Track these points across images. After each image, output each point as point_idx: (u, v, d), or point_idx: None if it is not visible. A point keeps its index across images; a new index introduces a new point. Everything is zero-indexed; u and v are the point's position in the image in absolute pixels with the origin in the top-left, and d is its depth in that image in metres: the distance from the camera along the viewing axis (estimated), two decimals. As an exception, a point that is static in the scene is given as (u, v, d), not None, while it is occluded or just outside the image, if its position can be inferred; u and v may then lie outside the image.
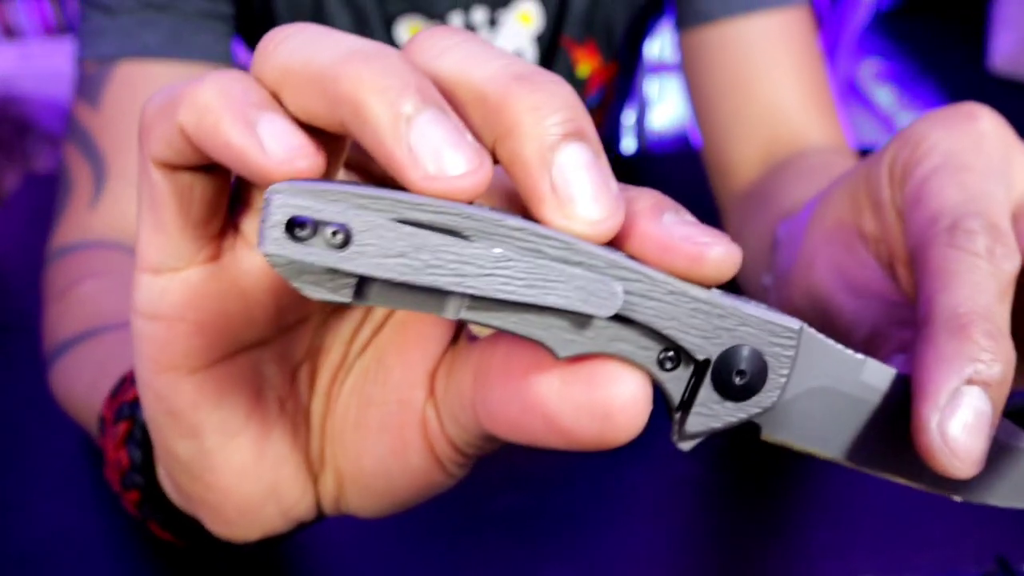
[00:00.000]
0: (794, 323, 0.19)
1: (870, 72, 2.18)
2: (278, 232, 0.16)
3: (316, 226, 0.16)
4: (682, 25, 0.61)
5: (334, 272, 0.16)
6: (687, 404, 0.19)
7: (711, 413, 0.19)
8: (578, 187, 0.17)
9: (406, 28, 0.63)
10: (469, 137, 0.17)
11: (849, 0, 1.78)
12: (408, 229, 0.16)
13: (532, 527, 0.42)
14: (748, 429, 0.20)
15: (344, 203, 0.16)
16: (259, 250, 0.16)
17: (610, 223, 0.17)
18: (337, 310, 0.24)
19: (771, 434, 0.21)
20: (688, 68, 0.62)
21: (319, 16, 0.62)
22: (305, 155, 0.17)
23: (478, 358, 0.21)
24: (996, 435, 0.22)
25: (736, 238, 0.56)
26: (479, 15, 0.64)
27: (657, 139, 1.85)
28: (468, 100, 0.18)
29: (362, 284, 0.17)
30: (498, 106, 0.18)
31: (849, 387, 0.21)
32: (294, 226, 0.16)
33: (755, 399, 0.19)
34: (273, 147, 0.17)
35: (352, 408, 0.24)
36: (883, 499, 0.44)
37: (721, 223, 0.60)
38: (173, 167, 0.19)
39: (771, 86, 0.56)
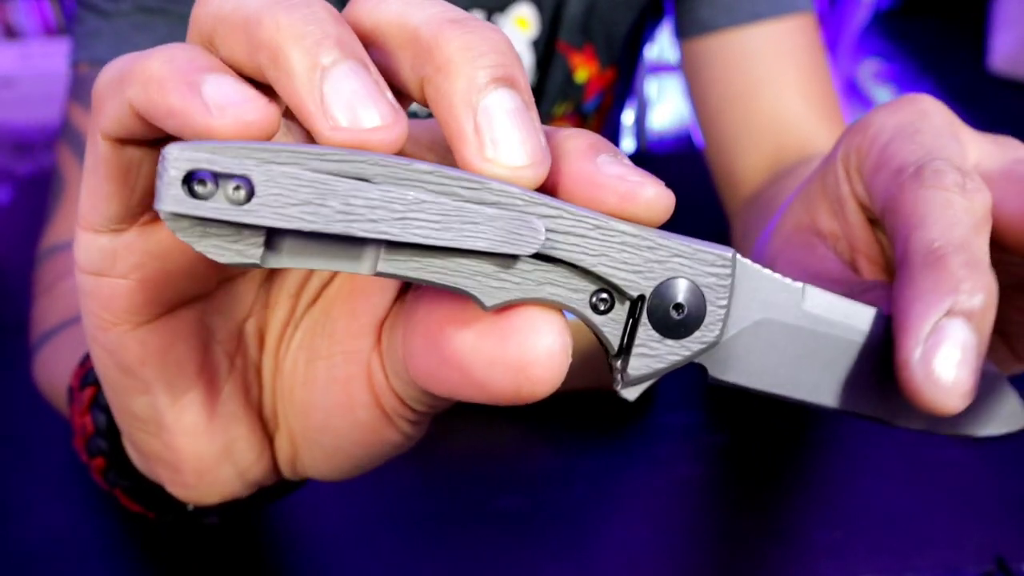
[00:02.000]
0: (726, 250, 0.18)
1: (870, 72, 2.18)
2: (175, 188, 0.15)
3: (217, 180, 0.15)
4: (684, 34, 0.61)
5: (239, 230, 0.16)
6: (627, 348, 0.19)
7: (653, 353, 0.19)
8: (502, 131, 0.17)
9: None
10: (389, 94, 0.17)
11: (849, 0, 1.78)
12: (312, 176, 0.15)
13: (532, 527, 0.42)
14: (695, 370, 0.20)
15: (244, 156, 0.15)
16: (157, 209, 0.15)
17: (533, 171, 0.17)
18: None
19: (719, 375, 0.20)
20: (691, 77, 0.61)
21: None
22: (254, 107, 0.17)
23: (408, 310, 0.21)
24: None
25: (742, 245, 0.56)
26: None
27: (657, 139, 1.85)
28: (402, 44, 0.18)
29: (271, 242, 0.16)
30: (429, 45, 0.18)
31: (793, 318, 0.20)
32: (192, 182, 0.15)
33: (697, 334, 0.19)
34: (217, 104, 0.17)
35: (300, 363, 0.24)
36: (883, 499, 0.44)
37: (728, 229, 0.60)
38: (122, 141, 0.19)
39: (776, 95, 0.56)
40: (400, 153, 0.17)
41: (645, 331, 0.18)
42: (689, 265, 0.18)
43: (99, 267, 0.21)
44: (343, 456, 0.24)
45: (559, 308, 0.18)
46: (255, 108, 0.17)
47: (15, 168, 1.66)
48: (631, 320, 0.18)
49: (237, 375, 0.24)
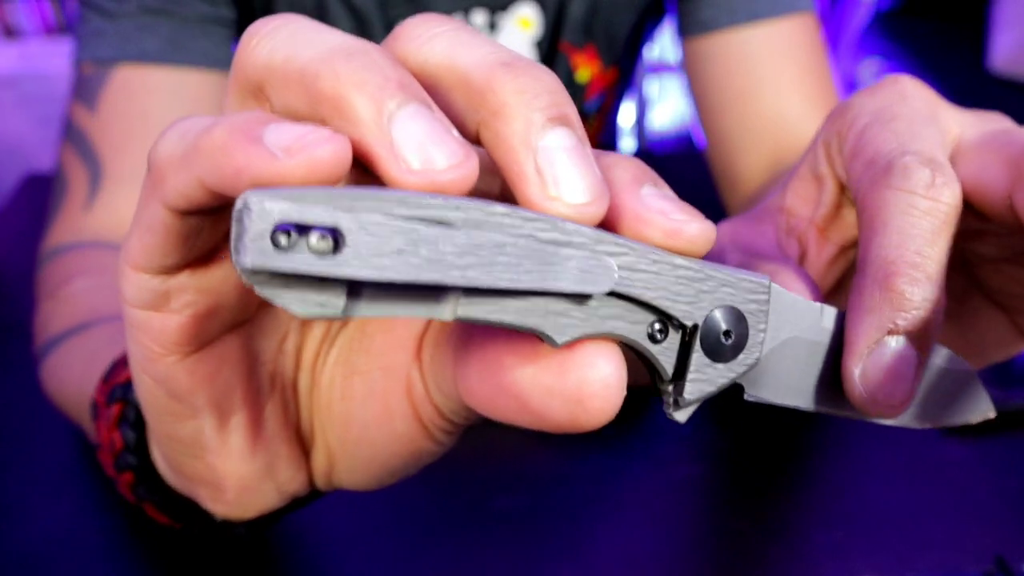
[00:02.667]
0: (763, 278, 0.20)
1: (870, 72, 2.18)
2: (262, 242, 0.14)
3: (299, 232, 0.14)
4: (685, 34, 0.61)
5: (322, 282, 0.15)
6: (680, 374, 0.20)
7: (705, 378, 0.20)
8: (563, 170, 0.17)
9: (407, 30, 0.63)
10: (455, 131, 0.17)
11: (849, 0, 1.78)
12: (400, 224, 0.15)
13: (532, 527, 0.42)
14: (733, 391, 0.21)
15: (333, 205, 0.14)
16: (237, 265, 0.14)
17: (595, 207, 0.17)
18: None
19: (753, 392, 0.21)
20: (692, 76, 0.61)
21: (321, 19, 0.62)
22: (325, 144, 0.16)
23: (459, 332, 0.21)
24: (937, 363, 0.23)
25: None
26: (479, 19, 0.64)
27: (657, 139, 1.85)
28: (453, 85, 0.18)
29: (353, 291, 0.16)
30: (483, 89, 0.18)
31: (814, 335, 0.22)
32: (276, 233, 0.14)
33: (741, 358, 0.20)
34: (283, 147, 0.16)
35: (337, 379, 0.24)
36: (883, 499, 0.44)
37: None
38: (187, 212, 0.19)
39: (776, 95, 0.56)
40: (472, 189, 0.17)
41: (698, 357, 0.19)
42: (734, 294, 0.19)
43: (149, 304, 0.21)
44: (379, 466, 0.24)
45: (618, 341, 0.19)
46: (326, 145, 0.16)
47: (15, 168, 1.66)
48: (683, 347, 0.19)
49: (277, 395, 0.24)
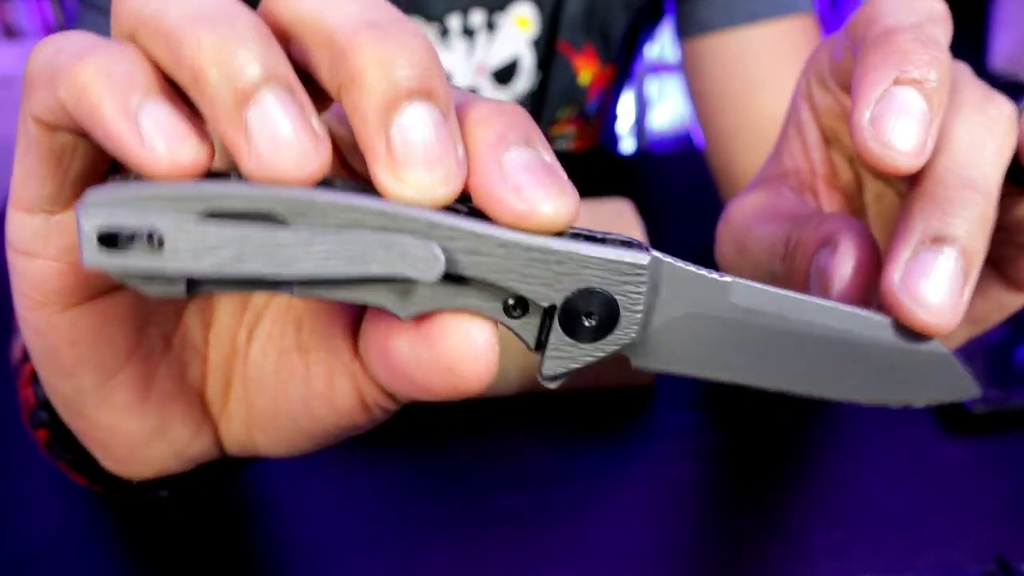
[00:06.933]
0: (643, 258, 0.19)
1: (870, 72, 2.18)
2: (91, 246, 0.16)
3: (132, 232, 0.16)
4: (684, 34, 0.61)
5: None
6: (543, 346, 0.19)
7: (567, 355, 0.19)
8: (415, 151, 0.17)
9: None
10: (313, 120, 0.17)
11: (849, 0, 1.78)
12: (215, 225, 0.16)
13: (532, 527, 0.42)
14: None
15: (151, 207, 0.16)
16: (81, 261, 0.16)
17: (446, 189, 0.17)
18: None
19: (641, 364, 0.21)
20: (691, 76, 0.61)
21: None
22: (187, 149, 0.17)
23: (365, 320, 0.21)
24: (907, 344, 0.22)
25: None
26: (477, 18, 0.64)
27: (657, 139, 1.85)
28: (317, 43, 0.17)
29: (193, 280, 0.17)
30: (343, 51, 0.17)
31: (719, 310, 0.21)
32: (110, 236, 0.16)
33: (611, 338, 0.19)
34: (155, 141, 0.16)
35: (271, 354, 0.24)
36: (883, 499, 0.44)
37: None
38: (54, 127, 0.18)
39: (774, 96, 0.56)
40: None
41: (557, 336, 0.19)
42: (600, 276, 0.18)
43: (30, 247, 0.20)
44: (305, 438, 0.24)
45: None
46: (188, 150, 0.16)
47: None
48: (544, 321, 0.19)
49: (173, 357, 0.24)
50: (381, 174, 0.17)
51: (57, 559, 0.41)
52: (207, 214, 0.16)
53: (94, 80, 0.17)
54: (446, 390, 0.19)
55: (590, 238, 0.19)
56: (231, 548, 0.41)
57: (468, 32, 0.64)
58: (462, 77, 0.66)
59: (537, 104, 0.68)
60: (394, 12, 0.18)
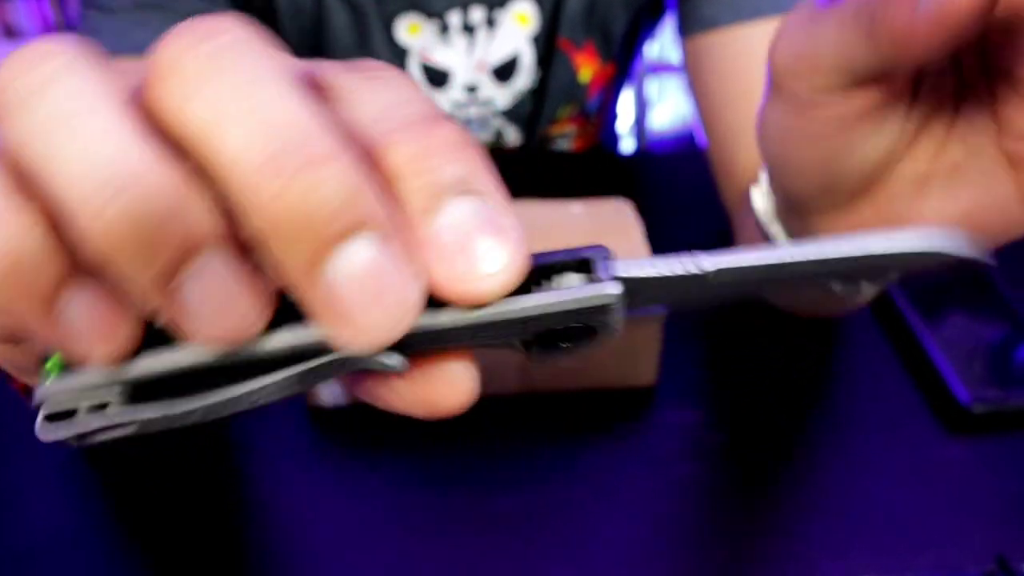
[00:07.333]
0: (610, 290, 0.18)
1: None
2: (44, 423, 0.17)
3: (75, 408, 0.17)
4: (686, 31, 0.61)
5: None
6: (528, 348, 0.19)
7: (551, 359, 0.19)
8: (352, 306, 0.15)
9: (405, 27, 0.63)
10: (244, 291, 0.15)
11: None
12: (137, 408, 0.17)
13: (532, 527, 0.42)
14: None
15: (85, 396, 0.17)
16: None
17: (404, 322, 0.15)
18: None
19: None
20: (693, 73, 0.61)
21: (319, 15, 0.62)
22: (103, 348, 0.16)
23: None
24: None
25: (741, 241, 0.56)
26: (477, 14, 0.64)
27: (657, 139, 1.85)
28: (213, 176, 0.15)
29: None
30: (247, 200, 0.14)
31: (701, 292, 0.20)
32: (57, 415, 0.17)
33: (593, 344, 0.19)
34: (72, 338, 0.16)
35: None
36: (883, 499, 0.44)
37: (728, 228, 0.60)
38: None
39: None
40: None
41: (538, 351, 0.19)
42: (570, 317, 0.18)
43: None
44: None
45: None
46: (103, 350, 0.16)
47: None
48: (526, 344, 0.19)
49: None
50: (326, 328, 0.15)
51: (56, 557, 0.41)
52: (138, 388, 0.17)
53: (11, 276, 0.15)
54: (425, 415, 0.18)
55: (550, 269, 0.18)
56: (231, 547, 0.41)
57: (468, 29, 0.64)
58: (462, 74, 0.66)
59: (537, 102, 0.68)
60: (303, 120, 0.14)
